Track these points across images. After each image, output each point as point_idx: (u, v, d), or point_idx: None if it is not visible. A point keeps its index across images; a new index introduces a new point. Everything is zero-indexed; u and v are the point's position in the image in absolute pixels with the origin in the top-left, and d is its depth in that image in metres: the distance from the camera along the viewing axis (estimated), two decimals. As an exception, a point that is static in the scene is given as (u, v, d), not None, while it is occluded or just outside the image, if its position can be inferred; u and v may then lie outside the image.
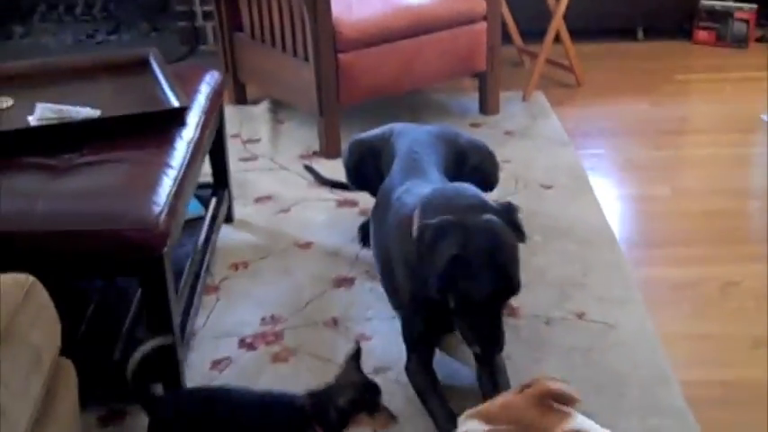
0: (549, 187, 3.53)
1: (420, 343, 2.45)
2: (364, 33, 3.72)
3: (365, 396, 2.04)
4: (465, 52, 4.00)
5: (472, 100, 4.31)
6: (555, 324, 2.74)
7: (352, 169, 3.09)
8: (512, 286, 2.22)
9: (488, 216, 2.26)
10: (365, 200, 3.31)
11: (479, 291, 2.17)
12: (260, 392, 2.17)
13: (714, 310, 2.86)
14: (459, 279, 2.18)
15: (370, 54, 3.75)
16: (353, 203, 3.43)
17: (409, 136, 2.94)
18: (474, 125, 4.08)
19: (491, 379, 2.34)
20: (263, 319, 2.78)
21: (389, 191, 2.73)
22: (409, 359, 2.45)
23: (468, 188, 2.48)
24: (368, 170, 3.01)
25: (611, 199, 3.50)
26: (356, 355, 2.11)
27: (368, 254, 3.05)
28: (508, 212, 2.33)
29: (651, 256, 3.13)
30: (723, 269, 3.06)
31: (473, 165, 2.92)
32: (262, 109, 4.32)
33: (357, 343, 2.21)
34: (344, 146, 3.26)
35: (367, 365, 2.48)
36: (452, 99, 4.40)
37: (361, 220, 3.27)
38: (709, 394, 2.45)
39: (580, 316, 2.78)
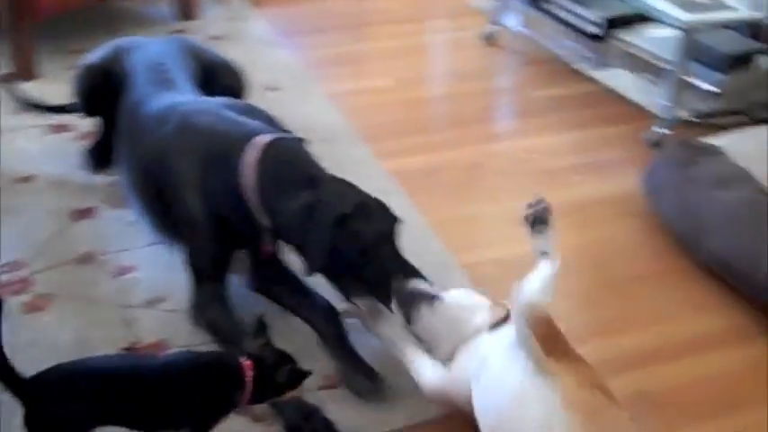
0: (274, 89, 3.37)
1: (215, 270, 2.23)
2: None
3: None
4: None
5: (168, 6, 4.00)
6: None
7: (85, 96, 2.77)
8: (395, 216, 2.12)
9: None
10: (82, 122, 3.00)
11: (375, 234, 2.04)
12: (164, 358, 1.89)
13: (468, 191, 2.88)
14: (355, 232, 2.02)
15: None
16: (68, 128, 3.07)
17: (146, 50, 2.69)
18: (176, 32, 3.79)
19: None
20: (1, 267, 2.41)
21: (138, 107, 2.47)
22: (199, 294, 2.21)
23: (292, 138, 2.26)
24: (102, 94, 2.70)
25: (339, 95, 3.41)
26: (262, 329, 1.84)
27: (102, 180, 2.78)
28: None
29: (393, 147, 3.09)
30: (465, 151, 3.11)
31: (224, 84, 2.73)
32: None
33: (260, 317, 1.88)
34: (42, 65, 3.04)
35: (137, 298, 2.31)
36: (148, 7, 4.07)
37: (81, 145, 2.94)
38: (489, 272, 2.46)
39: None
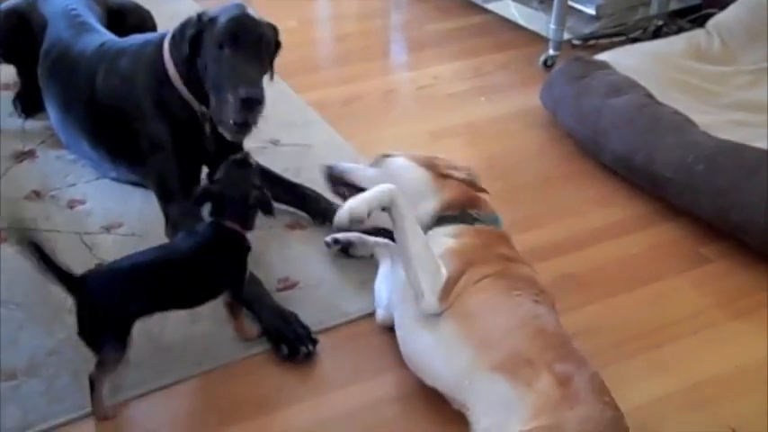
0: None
1: (184, 186, 2.35)
2: None
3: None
4: None
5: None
6: (255, 154, 2.77)
7: (3, 42, 2.84)
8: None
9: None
10: (2, 74, 3.08)
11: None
12: (179, 249, 1.99)
13: (384, 116, 3.10)
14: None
15: None
16: (-11, 79, 3.13)
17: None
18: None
19: None
20: (-47, 209, 2.51)
21: (66, 50, 2.60)
22: (172, 212, 2.33)
23: None
24: (21, 39, 2.80)
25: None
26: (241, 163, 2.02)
27: (36, 124, 2.88)
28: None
29: (308, 81, 3.26)
30: (375, 81, 3.31)
31: (133, 24, 2.87)
32: None
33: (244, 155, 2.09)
34: None
35: (93, 226, 2.43)
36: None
37: (6, 95, 3.03)
38: None
39: (275, 143, 2.85)
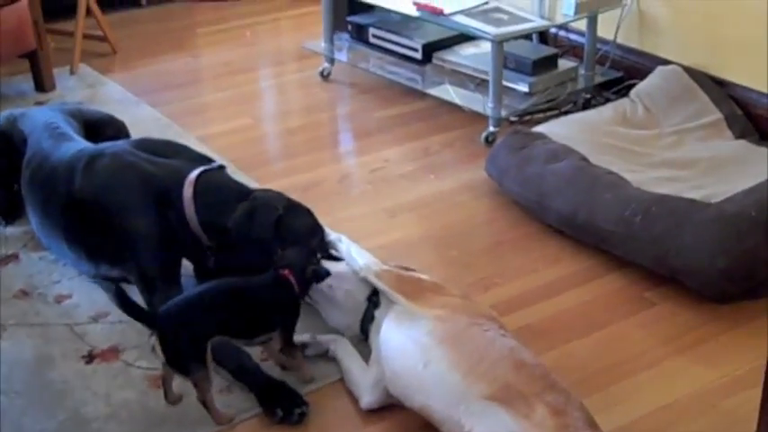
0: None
1: (166, 277, 2.53)
2: None
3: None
4: (15, 32, 3.95)
5: (23, 81, 4.26)
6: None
7: None
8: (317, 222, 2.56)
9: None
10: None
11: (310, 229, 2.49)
12: (234, 282, 2.30)
13: (341, 199, 3.31)
14: (287, 232, 2.44)
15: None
16: (-34, 193, 3.29)
17: (35, 116, 3.02)
18: (39, 103, 4.05)
19: None
20: (-56, 313, 2.65)
21: (45, 159, 2.79)
22: (155, 302, 2.46)
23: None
24: (2, 156, 3.00)
25: (208, 137, 3.75)
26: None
27: (16, 230, 3.05)
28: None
29: (269, 172, 3.47)
30: (330, 168, 3.54)
31: (109, 135, 3.07)
32: None
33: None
34: None
35: (82, 317, 2.59)
36: (2, 83, 4.30)
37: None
38: (377, 257, 2.81)
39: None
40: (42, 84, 4.18)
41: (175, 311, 2.17)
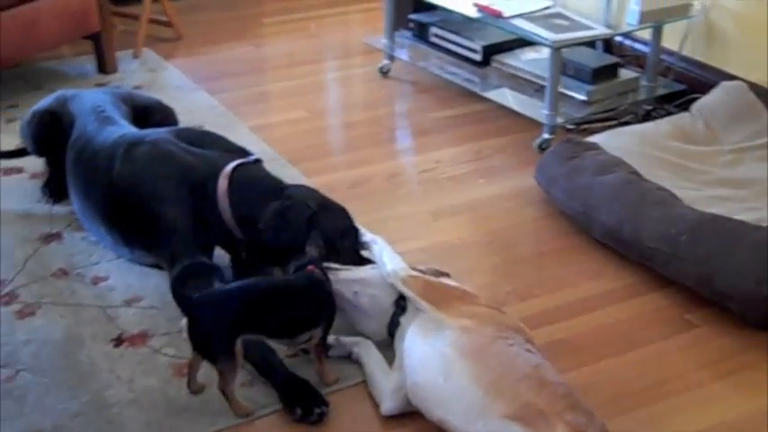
0: (201, 127, 3.68)
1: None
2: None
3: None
4: (79, 14, 4.01)
5: (86, 63, 4.32)
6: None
7: (36, 138, 3.09)
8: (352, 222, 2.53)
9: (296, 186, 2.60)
10: (31, 164, 3.32)
11: (342, 231, 2.47)
12: (272, 280, 2.38)
13: (389, 198, 3.28)
14: (322, 230, 2.44)
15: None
16: (19, 170, 3.37)
17: (85, 98, 3.05)
18: (99, 84, 4.11)
19: None
20: (-14, 286, 2.70)
21: (89, 142, 2.81)
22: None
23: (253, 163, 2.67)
24: (51, 135, 3.03)
25: (261, 128, 3.76)
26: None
27: (62, 209, 3.08)
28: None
29: (317, 166, 3.45)
30: (380, 166, 3.51)
31: (157, 121, 3.09)
32: None
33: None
34: None
35: (115, 300, 2.61)
36: (67, 65, 4.37)
37: (34, 183, 3.26)
38: (416, 260, 2.77)
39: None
40: (104, 66, 4.24)
41: (211, 301, 2.17)
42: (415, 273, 2.29)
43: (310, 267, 2.29)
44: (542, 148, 3.51)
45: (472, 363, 2.02)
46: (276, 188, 2.51)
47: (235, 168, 2.52)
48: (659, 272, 2.77)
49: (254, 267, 2.55)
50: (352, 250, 2.47)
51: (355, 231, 2.52)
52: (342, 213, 2.52)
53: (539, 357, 2.09)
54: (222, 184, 2.49)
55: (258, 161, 2.62)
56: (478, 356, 2.03)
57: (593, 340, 2.54)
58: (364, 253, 2.51)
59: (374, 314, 2.36)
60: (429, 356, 2.09)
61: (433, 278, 2.30)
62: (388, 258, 2.35)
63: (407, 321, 2.25)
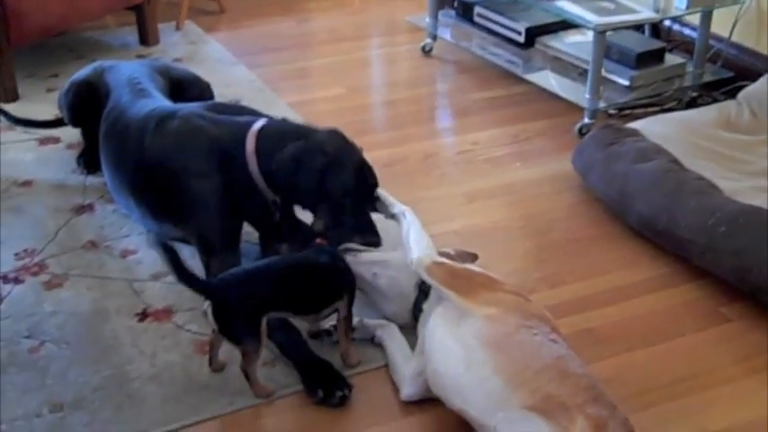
0: (239, 101, 3.69)
1: (225, 242, 2.52)
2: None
3: None
4: (121, -16, 4.03)
5: (129, 34, 4.33)
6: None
7: (72, 108, 3.09)
8: (374, 179, 2.50)
9: (330, 131, 2.50)
10: (67, 134, 3.32)
11: (351, 187, 2.41)
12: (291, 257, 2.39)
13: (424, 178, 3.25)
14: (334, 182, 2.39)
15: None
16: (56, 140, 3.38)
17: (122, 70, 3.04)
18: (140, 56, 4.11)
19: None
20: (16, 255, 2.72)
21: (122, 114, 2.80)
22: (213, 266, 2.47)
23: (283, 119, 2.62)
24: (88, 106, 3.03)
25: (299, 104, 3.74)
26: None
27: (96, 180, 3.09)
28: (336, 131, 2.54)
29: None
30: (417, 146, 3.47)
31: (193, 95, 3.07)
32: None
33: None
34: (21, 89, 3.49)
35: (142, 274, 2.61)
36: (109, 35, 4.38)
37: (70, 153, 3.27)
38: (451, 242, 2.75)
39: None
40: (146, 37, 4.24)
41: (233, 282, 2.15)
42: (440, 259, 2.24)
43: (318, 241, 2.28)
44: (582, 132, 3.44)
45: (494, 352, 1.98)
46: (301, 135, 2.45)
47: (262, 127, 2.48)
48: (695, 263, 2.70)
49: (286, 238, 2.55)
50: (360, 209, 2.44)
51: (372, 185, 2.48)
52: (358, 164, 2.46)
53: (563, 347, 2.04)
54: (250, 143, 2.46)
55: (285, 120, 2.58)
56: (501, 346, 1.99)
57: (623, 331, 2.49)
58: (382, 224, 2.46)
59: (394, 296, 2.34)
60: (450, 345, 2.06)
61: (458, 264, 2.26)
62: (414, 240, 2.29)
63: (430, 307, 2.21)
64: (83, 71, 3.13)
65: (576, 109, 3.53)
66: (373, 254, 2.38)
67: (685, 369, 2.35)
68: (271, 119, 2.56)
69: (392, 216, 2.45)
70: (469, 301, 2.10)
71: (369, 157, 3.07)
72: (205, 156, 2.51)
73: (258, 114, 2.66)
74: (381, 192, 2.50)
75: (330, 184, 2.39)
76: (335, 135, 2.48)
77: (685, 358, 2.39)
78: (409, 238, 2.30)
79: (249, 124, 2.51)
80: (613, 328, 2.50)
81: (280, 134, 2.47)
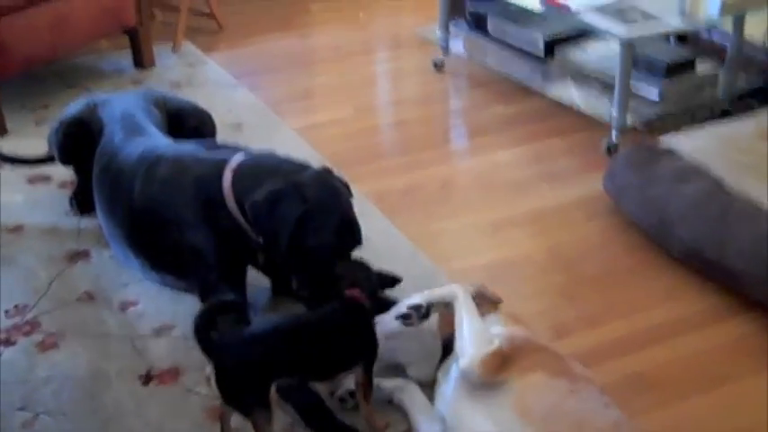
0: (240, 128, 3.49)
1: (230, 290, 2.32)
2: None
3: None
4: (114, 7, 3.81)
5: (122, 58, 4.11)
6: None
7: (63, 148, 2.87)
8: (358, 236, 2.22)
9: (316, 172, 2.23)
10: (59, 172, 3.10)
11: (328, 244, 2.14)
12: (309, 316, 2.13)
13: (443, 206, 3.03)
14: (308, 236, 2.13)
15: (19, 20, 3.43)
16: (46, 178, 3.16)
17: (115, 104, 2.83)
18: (136, 82, 3.90)
19: None
20: (7, 312, 2.50)
21: (115, 154, 2.60)
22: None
23: (268, 153, 2.40)
24: (80, 144, 2.81)
25: (304, 128, 3.53)
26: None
27: (91, 223, 2.86)
28: (326, 171, 2.28)
29: (365, 171, 3.21)
30: (434, 170, 3.26)
31: (193, 127, 2.88)
32: None
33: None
34: (9, 123, 3.30)
35: (145, 329, 2.39)
36: (102, 60, 4.17)
37: (62, 192, 3.05)
38: (477, 278, 2.56)
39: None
40: (141, 61, 4.04)
41: (235, 346, 1.93)
42: (491, 349, 1.95)
43: (349, 293, 2.04)
44: (610, 150, 3.22)
45: (540, 427, 1.74)
46: (279, 171, 2.21)
47: (240, 163, 2.27)
48: (747, 295, 2.48)
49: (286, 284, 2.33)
50: (333, 270, 2.14)
51: (349, 248, 2.21)
52: (340, 219, 2.19)
53: (616, 412, 1.82)
54: (227, 178, 2.25)
55: (270, 154, 2.36)
56: (548, 420, 1.75)
57: (672, 375, 2.27)
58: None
59: (419, 356, 2.11)
60: (480, 419, 1.82)
61: (505, 343, 1.98)
62: (467, 331, 1.98)
63: (452, 360, 1.98)
64: (74, 107, 2.91)
65: (599, 123, 3.31)
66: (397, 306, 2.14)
67: (745, 418, 2.13)
68: (250, 153, 2.34)
69: (402, 317, 2.13)
70: (510, 371, 1.86)
71: (381, 185, 2.83)
72: (191, 202, 2.31)
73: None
74: (424, 294, 2.16)
75: (304, 239, 2.13)
76: (321, 177, 2.22)
77: (745, 404, 2.17)
78: (462, 328, 2.02)
79: (227, 159, 2.29)
80: (662, 372, 2.28)
81: (258, 170, 2.25)
